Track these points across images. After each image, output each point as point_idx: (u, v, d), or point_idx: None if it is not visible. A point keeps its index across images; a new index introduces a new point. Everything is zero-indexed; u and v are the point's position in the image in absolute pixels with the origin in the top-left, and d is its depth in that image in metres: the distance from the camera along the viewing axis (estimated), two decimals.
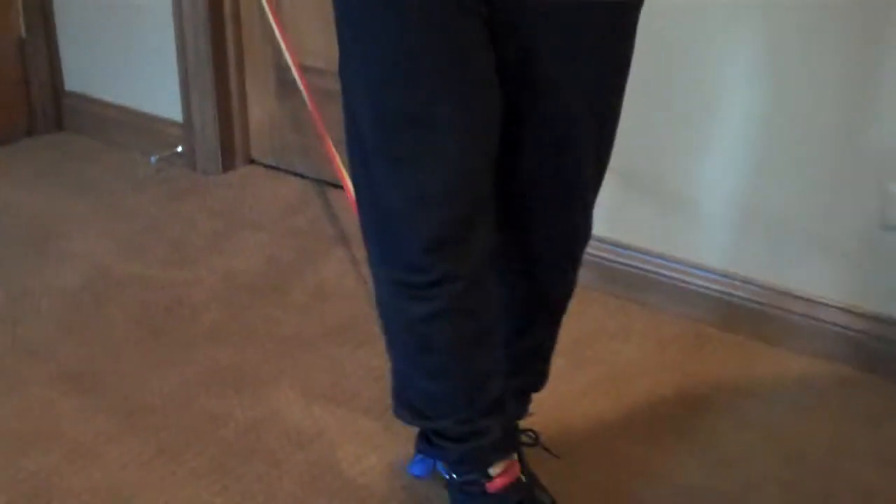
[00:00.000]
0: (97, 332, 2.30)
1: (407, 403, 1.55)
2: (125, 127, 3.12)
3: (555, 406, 1.95)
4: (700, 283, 2.33)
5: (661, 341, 2.28)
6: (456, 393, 1.48)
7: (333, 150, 2.43)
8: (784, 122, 2.14)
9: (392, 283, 1.43)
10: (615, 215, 2.36)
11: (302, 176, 2.95)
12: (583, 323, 2.30)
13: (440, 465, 1.63)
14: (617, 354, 2.23)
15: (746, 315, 2.28)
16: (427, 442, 1.59)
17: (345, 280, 2.50)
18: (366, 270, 2.50)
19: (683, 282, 2.35)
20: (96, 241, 2.65)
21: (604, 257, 2.40)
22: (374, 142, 1.37)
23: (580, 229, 1.56)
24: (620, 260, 2.40)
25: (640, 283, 2.39)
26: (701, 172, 2.27)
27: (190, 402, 2.08)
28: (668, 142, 2.29)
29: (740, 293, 2.29)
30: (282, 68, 2.88)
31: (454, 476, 1.57)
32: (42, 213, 2.79)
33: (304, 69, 2.80)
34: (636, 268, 2.39)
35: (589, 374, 2.16)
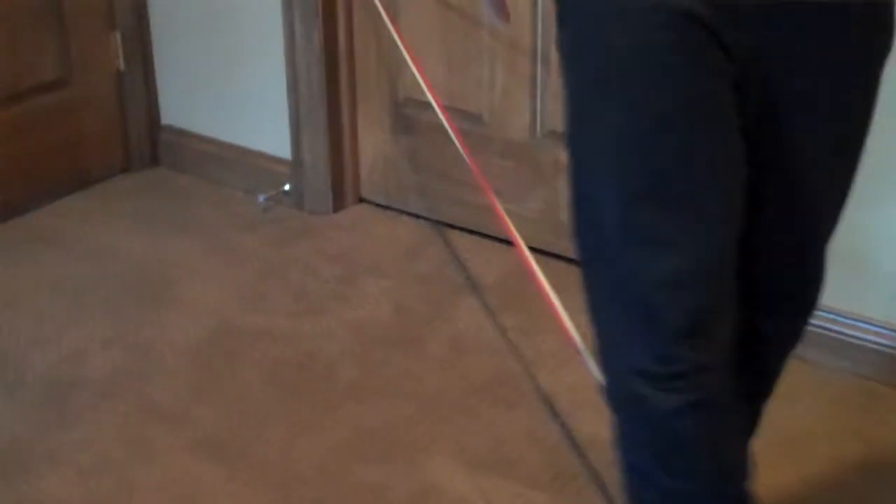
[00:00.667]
0: (231, 392, 2.16)
1: (643, 502, 1.40)
2: (227, 164, 2.99)
3: None
4: (866, 336, 2.19)
5: (832, 401, 2.14)
6: (703, 491, 1.34)
7: (497, 203, 2.27)
8: None
9: (634, 374, 1.29)
10: None
11: (417, 216, 2.81)
12: None
13: None
14: (788, 417, 2.09)
15: None
16: None
17: (482, 332, 2.36)
18: (502, 320, 2.39)
19: (848, 336, 2.21)
20: (213, 289, 2.51)
21: None
22: (619, 221, 1.23)
23: (817, 282, 1.43)
24: None
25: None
26: (869, 223, 2.12)
27: (344, 472, 1.94)
28: None
29: None
30: (398, 104, 2.75)
31: None
32: (149, 256, 2.66)
33: (419, 104, 2.67)
34: None
35: (763, 438, 2.02)
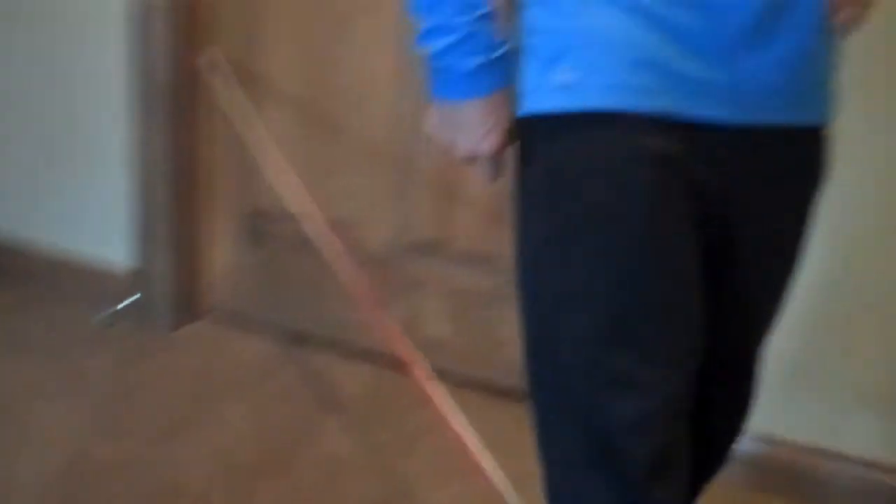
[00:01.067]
0: None
1: None
2: (65, 276, 2.82)
3: None
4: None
5: None
6: None
7: (383, 317, 2.20)
8: (841, 275, 2.07)
9: None
10: None
11: (271, 331, 2.71)
12: None
13: None
14: None
15: (786, 477, 2.19)
16: None
17: (353, 452, 2.28)
18: (373, 438, 2.31)
19: None
20: (61, 416, 2.34)
21: None
22: (585, 363, 1.20)
23: (752, 395, 1.45)
24: None
25: None
26: None
27: None
28: None
29: (782, 455, 2.19)
30: (250, 214, 2.67)
31: None
32: None
33: (272, 215, 2.60)
34: None
35: None
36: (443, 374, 2.30)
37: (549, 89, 1.18)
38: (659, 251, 1.18)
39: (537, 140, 1.21)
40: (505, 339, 2.47)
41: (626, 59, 1.15)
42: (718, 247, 1.25)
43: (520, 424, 2.29)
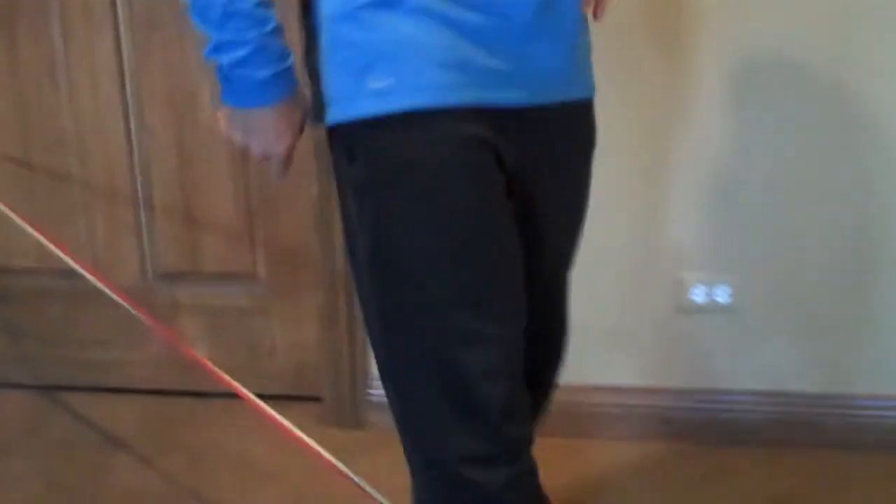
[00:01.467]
0: None
1: None
2: None
3: None
4: None
5: None
6: None
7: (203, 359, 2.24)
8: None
9: (465, 461, 1.40)
10: None
11: (23, 387, 2.68)
12: None
13: None
14: None
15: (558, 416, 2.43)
16: None
17: (149, 484, 2.31)
18: (164, 467, 2.36)
19: None
20: None
21: None
22: (441, 326, 1.35)
23: (566, 333, 1.66)
24: None
25: None
26: None
27: None
28: None
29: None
30: None
31: None
32: None
33: (11, 271, 2.58)
34: None
35: None
36: (209, 391, 2.40)
37: (366, 96, 1.32)
38: (486, 221, 1.36)
39: (361, 141, 1.34)
40: (264, 349, 2.58)
41: (434, 62, 1.31)
42: (523, 209, 1.44)
43: (318, 423, 2.44)
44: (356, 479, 1.88)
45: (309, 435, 2.47)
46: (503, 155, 1.37)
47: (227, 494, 2.27)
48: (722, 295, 2.34)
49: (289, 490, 2.28)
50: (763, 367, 2.37)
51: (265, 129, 1.40)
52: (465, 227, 1.34)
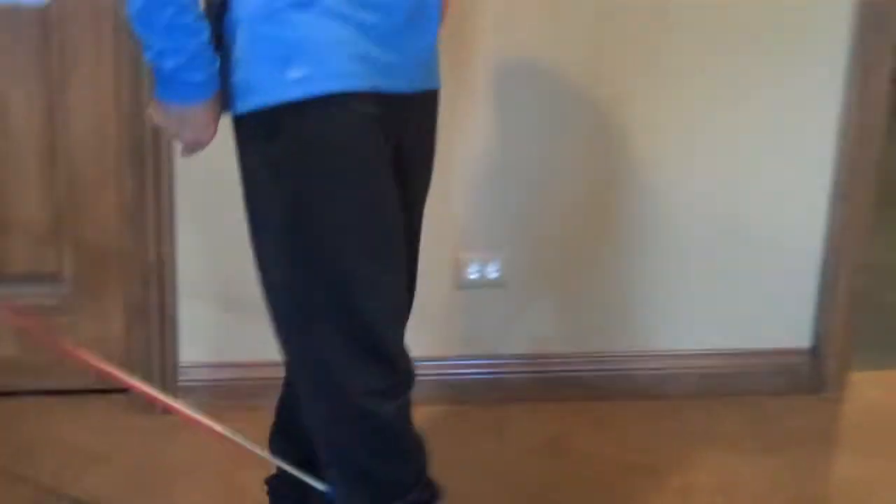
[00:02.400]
0: None
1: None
2: None
3: None
4: None
5: None
6: (419, 468, 1.77)
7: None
8: None
9: (367, 395, 1.66)
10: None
11: None
12: None
13: None
14: None
15: None
16: None
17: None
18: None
19: None
20: None
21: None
22: (353, 277, 1.62)
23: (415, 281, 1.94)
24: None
25: None
26: None
27: None
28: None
29: None
30: None
31: None
32: None
33: None
34: None
35: None
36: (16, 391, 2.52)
37: (287, 84, 1.58)
38: (384, 186, 1.65)
39: (282, 123, 1.59)
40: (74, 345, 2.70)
41: (342, 54, 1.59)
42: (401, 178, 1.73)
43: (125, 412, 2.58)
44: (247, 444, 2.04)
45: (119, 423, 2.64)
46: (391, 132, 1.67)
47: (54, 480, 2.40)
48: (493, 272, 2.71)
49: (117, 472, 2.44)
50: (529, 333, 2.76)
51: (198, 121, 1.64)
52: (371, 190, 1.64)
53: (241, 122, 1.65)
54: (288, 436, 1.99)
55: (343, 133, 1.60)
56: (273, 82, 1.60)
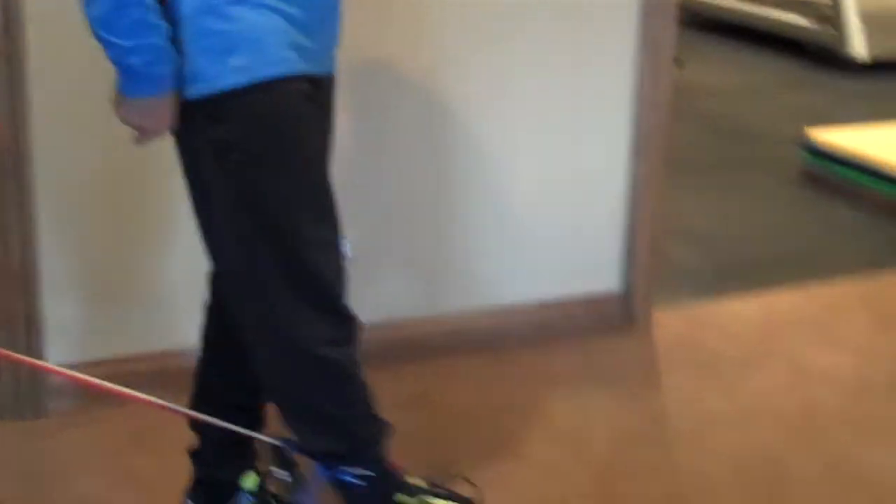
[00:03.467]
0: None
1: (372, 445, 2.01)
2: None
3: None
4: None
5: None
6: (370, 405, 2.01)
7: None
8: None
9: (324, 344, 1.87)
10: None
11: None
12: None
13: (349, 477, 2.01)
14: None
15: None
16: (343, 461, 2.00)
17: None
18: None
19: None
20: None
21: None
22: (308, 238, 1.83)
23: None
24: None
25: None
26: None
27: None
28: None
29: None
30: None
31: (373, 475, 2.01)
32: None
33: None
34: None
35: None
36: None
37: (230, 72, 1.74)
38: (325, 156, 1.86)
39: (229, 107, 1.76)
40: None
41: (278, 43, 1.77)
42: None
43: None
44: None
45: None
46: (323, 109, 1.88)
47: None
48: (345, 249, 2.91)
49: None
50: (377, 302, 2.97)
51: (159, 112, 1.77)
52: (316, 160, 1.84)
53: (187, 109, 1.79)
54: (211, 407, 2.13)
55: (285, 111, 1.80)
56: (217, 71, 1.76)
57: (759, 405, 2.82)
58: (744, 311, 3.40)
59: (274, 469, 2.10)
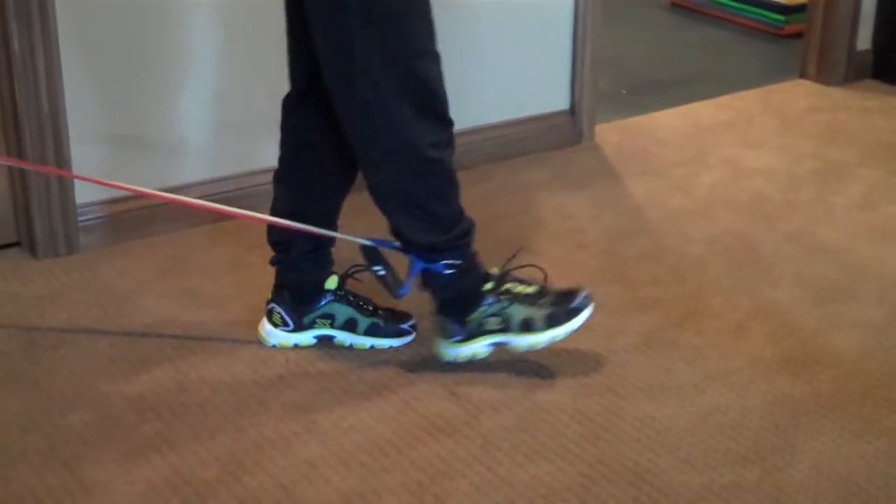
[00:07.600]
0: None
1: (463, 238, 2.28)
2: None
3: None
4: None
5: None
6: (460, 205, 2.32)
7: None
8: None
9: (431, 147, 2.16)
10: None
11: None
12: None
13: (443, 268, 2.27)
14: None
15: None
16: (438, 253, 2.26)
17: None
18: None
19: None
20: None
21: None
22: (424, 53, 2.11)
23: None
24: None
25: None
26: None
27: None
28: None
29: None
30: None
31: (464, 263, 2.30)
32: None
33: None
34: None
35: None
36: None
37: None
38: None
39: None
40: None
41: None
42: None
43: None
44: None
45: (22, 270, 2.78)
46: None
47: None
48: None
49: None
50: None
51: None
52: None
53: None
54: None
55: None
56: None
57: (714, 197, 3.23)
58: (670, 122, 3.79)
59: (372, 266, 2.35)
